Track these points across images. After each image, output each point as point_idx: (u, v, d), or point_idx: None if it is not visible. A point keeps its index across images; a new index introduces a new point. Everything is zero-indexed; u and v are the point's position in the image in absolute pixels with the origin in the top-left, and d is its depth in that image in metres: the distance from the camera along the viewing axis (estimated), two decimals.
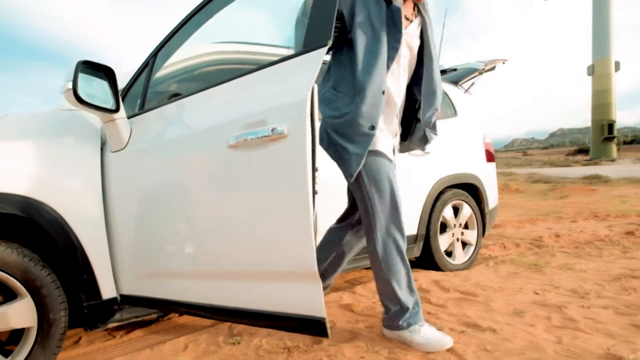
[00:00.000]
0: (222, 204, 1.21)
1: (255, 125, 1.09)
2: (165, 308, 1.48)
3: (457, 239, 2.69)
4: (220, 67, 1.78)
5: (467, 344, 1.40)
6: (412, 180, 2.35)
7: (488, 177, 2.91)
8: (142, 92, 1.49)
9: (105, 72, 1.37)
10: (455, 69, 3.22)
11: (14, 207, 1.30)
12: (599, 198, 8.53)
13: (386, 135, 1.50)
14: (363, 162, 1.39)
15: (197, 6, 1.40)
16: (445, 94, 2.84)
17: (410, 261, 2.61)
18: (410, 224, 2.38)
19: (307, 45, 1.08)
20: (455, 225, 2.65)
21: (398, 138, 1.62)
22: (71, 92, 1.22)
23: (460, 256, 2.68)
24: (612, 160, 23.08)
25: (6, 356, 1.33)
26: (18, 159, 1.33)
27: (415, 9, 1.50)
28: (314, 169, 1.09)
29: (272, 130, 1.05)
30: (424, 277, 2.33)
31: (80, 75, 1.26)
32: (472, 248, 2.75)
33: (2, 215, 1.30)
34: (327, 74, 1.51)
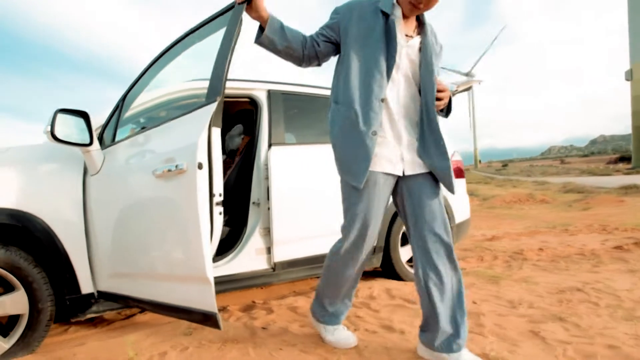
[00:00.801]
0: (149, 220, 1.56)
1: (169, 161, 1.44)
2: (123, 302, 1.82)
3: None
4: (185, 103, 2.14)
5: (372, 342, 1.64)
6: None
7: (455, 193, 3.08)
8: (113, 127, 1.86)
9: (82, 115, 1.74)
10: None
11: (12, 219, 1.68)
12: (624, 210, 8.26)
13: (387, 147, 1.49)
14: (367, 174, 1.43)
15: (154, 59, 1.75)
16: None
17: (375, 270, 2.84)
18: None
19: (206, 98, 1.41)
20: None
21: (409, 147, 1.52)
22: (49, 133, 1.59)
23: None
24: None
25: (5, 336, 1.70)
26: (17, 182, 1.72)
27: (416, 30, 1.52)
28: (212, 194, 1.38)
29: (176, 166, 1.39)
30: (379, 286, 2.55)
31: (60, 119, 1.63)
32: None
33: (3, 225, 1.68)
34: (331, 94, 1.59)
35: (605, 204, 9.67)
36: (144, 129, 1.82)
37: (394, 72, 1.46)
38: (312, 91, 2.59)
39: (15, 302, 1.68)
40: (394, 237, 2.72)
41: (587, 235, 5.15)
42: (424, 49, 1.48)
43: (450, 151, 3.12)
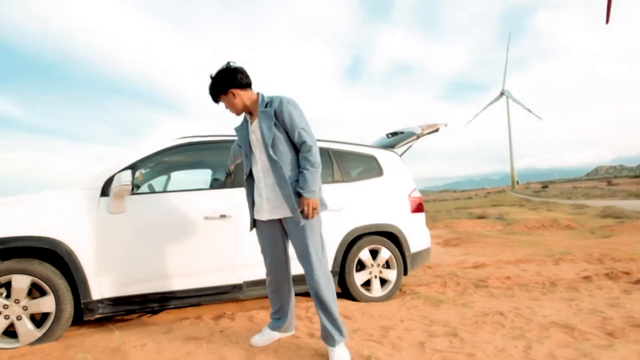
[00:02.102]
0: (199, 241, 2.72)
1: (220, 211, 2.79)
2: (142, 299, 2.59)
3: (375, 276, 3.35)
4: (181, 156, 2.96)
5: (291, 344, 2.17)
6: (328, 227, 3.13)
7: (412, 226, 3.55)
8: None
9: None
10: (402, 132, 3.94)
11: (46, 243, 2.41)
12: None
13: (262, 205, 2.14)
14: (250, 223, 2.24)
15: (177, 144, 2.85)
16: (374, 158, 3.61)
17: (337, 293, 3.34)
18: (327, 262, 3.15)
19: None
20: (372, 264, 3.34)
21: (268, 201, 2.11)
22: (129, 188, 2.46)
23: (378, 290, 3.34)
24: None
25: (38, 327, 2.40)
26: (49, 217, 2.45)
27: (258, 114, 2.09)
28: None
29: (228, 215, 2.77)
30: None
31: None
32: (392, 284, 3.39)
33: (42, 249, 2.41)
34: None
35: (630, 232, 9.39)
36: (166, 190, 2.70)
37: (252, 151, 2.16)
38: None
39: (47, 304, 2.39)
40: (349, 264, 3.22)
41: (574, 264, 5.31)
42: (259, 126, 2.07)
43: (406, 190, 3.63)
